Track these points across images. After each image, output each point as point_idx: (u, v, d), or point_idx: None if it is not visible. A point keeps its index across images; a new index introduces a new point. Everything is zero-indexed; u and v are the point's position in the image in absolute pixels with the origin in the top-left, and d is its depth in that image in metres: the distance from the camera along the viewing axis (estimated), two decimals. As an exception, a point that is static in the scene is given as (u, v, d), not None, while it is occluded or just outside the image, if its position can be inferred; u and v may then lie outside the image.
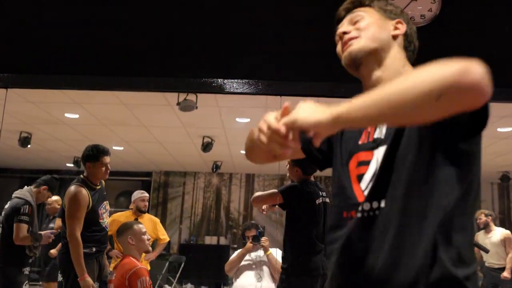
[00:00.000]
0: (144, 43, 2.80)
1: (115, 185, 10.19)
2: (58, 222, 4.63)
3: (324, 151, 1.42)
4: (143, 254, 3.77)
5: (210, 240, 10.56)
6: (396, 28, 1.32)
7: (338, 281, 1.21)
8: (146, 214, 5.28)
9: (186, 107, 4.63)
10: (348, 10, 1.36)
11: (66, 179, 7.77)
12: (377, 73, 1.28)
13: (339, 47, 1.34)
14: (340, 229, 1.21)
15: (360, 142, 1.27)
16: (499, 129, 6.33)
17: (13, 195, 4.29)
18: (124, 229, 3.29)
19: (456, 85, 0.89)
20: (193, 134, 7.18)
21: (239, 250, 4.48)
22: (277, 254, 4.27)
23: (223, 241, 10.59)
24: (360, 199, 1.18)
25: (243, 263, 4.40)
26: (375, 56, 1.28)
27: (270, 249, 4.33)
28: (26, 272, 4.19)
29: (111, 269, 4.14)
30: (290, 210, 3.68)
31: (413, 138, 1.12)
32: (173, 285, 9.02)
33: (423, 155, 1.10)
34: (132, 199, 5.24)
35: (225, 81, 2.67)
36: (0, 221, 4.26)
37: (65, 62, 2.83)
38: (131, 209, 5.24)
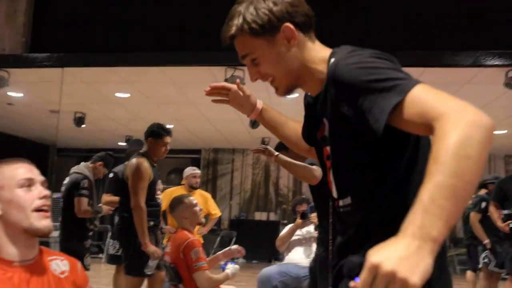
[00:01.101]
0: (191, 17, 2.80)
1: (165, 163, 10.40)
2: (105, 197, 4.72)
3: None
4: (197, 227, 3.83)
5: (260, 216, 10.65)
6: (287, 39, 1.22)
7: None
8: (198, 189, 5.36)
9: (233, 83, 4.61)
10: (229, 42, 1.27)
11: (118, 157, 8.00)
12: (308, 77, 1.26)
13: None
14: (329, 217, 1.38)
15: (319, 136, 1.31)
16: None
17: (71, 171, 4.44)
18: (176, 203, 3.34)
19: (488, 130, 0.92)
20: (242, 110, 7.18)
21: (290, 225, 4.49)
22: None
23: (272, 216, 10.66)
24: (334, 193, 1.27)
25: (294, 238, 4.40)
26: (298, 75, 1.26)
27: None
28: (87, 245, 4.35)
29: (165, 242, 4.24)
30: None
31: (343, 136, 1.17)
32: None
33: (357, 149, 1.16)
34: (184, 175, 5.32)
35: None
36: (61, 197, 4.42)
37: (115, 40, 2.87)
38: (183, 185, 5.32)
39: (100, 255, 9.61)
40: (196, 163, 10.83)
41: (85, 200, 4.23)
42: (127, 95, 6.66)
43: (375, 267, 0.82)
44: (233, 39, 1.24)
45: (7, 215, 1.34)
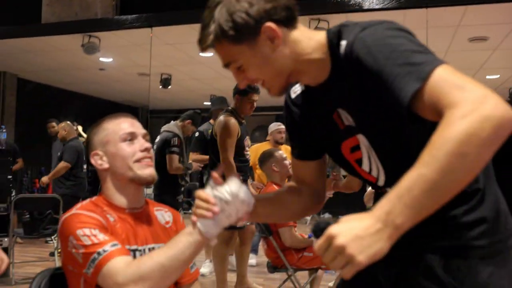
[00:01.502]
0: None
1: (249, 120, 10.49)
2: (192, 156, 4.85)
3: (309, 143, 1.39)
4: (286, 180, 3.87)
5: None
6: (270, 39, 1.09)
7: None
8: (283, 145, 5.39)
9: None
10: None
11: (204, 116, 8.21)
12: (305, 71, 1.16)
13: None
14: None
15: (342, 128, 1.19)
16: None
17: (162, 129, 4.62)
18: (267, 157, 3.39)
19: (502, 128, 0.84)
20: (325, 64, 7.05)
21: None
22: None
23: (358, 172, 10.55)
24: (380, 181, 1.20)
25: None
26: (290, 72, 1.14)
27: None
28: (180, 200, 4.56)
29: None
30: None
31: (387, 120, 1.07)
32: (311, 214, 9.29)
33: (402, 133, 1.08)
34: (269, 131, 5.36)
35: (363, -3, 2.51)
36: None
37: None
38: (268, 140, 5.37)
39: (190, 211, 10.02)
40: (280, 120, 10.86)
41: (176, 157, 4.40)
42: (211, 53, 6.72)
43: (331, 238, 0.88)
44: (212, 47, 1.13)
45: (113, 168, 1.41)
